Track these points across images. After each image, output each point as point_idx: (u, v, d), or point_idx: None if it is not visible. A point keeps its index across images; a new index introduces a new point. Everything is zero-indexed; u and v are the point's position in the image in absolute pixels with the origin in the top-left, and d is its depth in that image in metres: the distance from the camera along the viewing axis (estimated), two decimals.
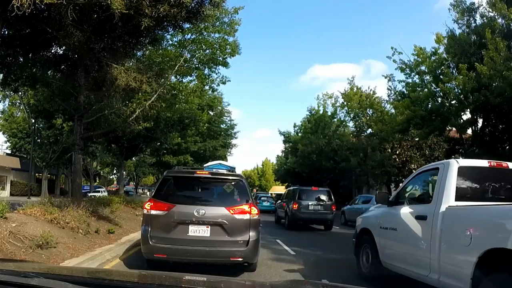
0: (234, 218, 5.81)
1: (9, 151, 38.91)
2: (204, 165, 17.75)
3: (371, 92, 32.47)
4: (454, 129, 20.46)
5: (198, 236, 5.71)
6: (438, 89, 18.63)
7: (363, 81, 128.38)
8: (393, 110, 25.39)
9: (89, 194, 27.41)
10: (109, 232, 8.98)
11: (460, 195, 4.52)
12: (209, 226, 5.74)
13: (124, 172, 36.47)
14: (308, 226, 16.33)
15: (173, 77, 16.78)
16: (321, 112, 36.91)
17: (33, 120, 30.60)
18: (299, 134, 40.25)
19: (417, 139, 25.83)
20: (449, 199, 4.47)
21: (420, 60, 19.81)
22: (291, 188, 19.88)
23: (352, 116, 33.20)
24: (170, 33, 14.47)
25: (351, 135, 34.83)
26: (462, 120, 19.01)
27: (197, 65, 18.30)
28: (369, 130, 31.13)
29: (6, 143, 39.14)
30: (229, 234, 5.77)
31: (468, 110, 18.42)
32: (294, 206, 15.49)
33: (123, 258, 7.22)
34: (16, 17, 7.01)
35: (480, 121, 19.40)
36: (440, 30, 24.51)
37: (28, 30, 9.92)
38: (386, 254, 5.59)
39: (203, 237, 5.71)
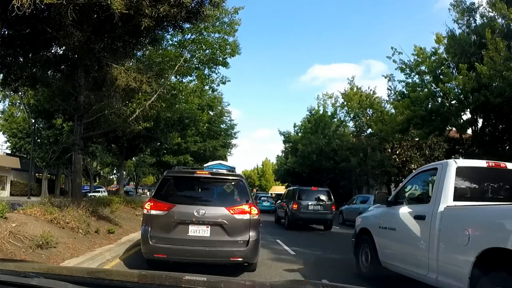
0: (234, 218, 5.82)
1: (9, 151, 38.93)
2: (204, 165, 17.76)
3: (371, 92, 32.49)
4: (454, 129, 20.46)
5: (198, 236, 5.72)
6: (438, 89, 18.63)
7: (363, 81, 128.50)
8: (393, 110, 25.39)
9: (89, 194, 27.43)
10: (109, 232, 8.99)
11: (458, 195, 4.55)
12: (209, 226, 5.75)
13: (124, 172, 36.48)
14: (308, 226, 16.35)
15: (173, 77, 16.79)
16: (321, 112, 36.91)
17: (33, 120, 30.61)
18: (299, 134, 40.24)
19: (417, 139, 25.82)
20: (447, 199, 4.50)
21: (420, 60, 19.80)
22: (291, 188, 19.92)
23: (352, 116, 33.20)
24: (170, 33, 14.50)
25: (351, 135, 34.81)
26: (462, 120, 19.01)
27: (197, 65, 18.31)
28: (369, 130, 31.13)
29: (6, 143, 39.22)
30: (229, 234, 5.78)
31: (468, 110, 18.41)
32: (294, 206, 15.52)
33: (123, 258, 7.23)
34: (16, 17, 7.01)
35: (480, 121, 19.40)
36: (440, 30, 24.56)
37: (28, 30, 9.92)
38: (385, 254, 5.61)
39: (203, 237, 5.72)
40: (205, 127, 30.92)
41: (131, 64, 12.64)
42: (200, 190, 6.67)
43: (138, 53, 14.08)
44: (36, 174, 38.95)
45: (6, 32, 9.75)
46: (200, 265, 5.65)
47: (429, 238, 4.49)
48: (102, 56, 10.49)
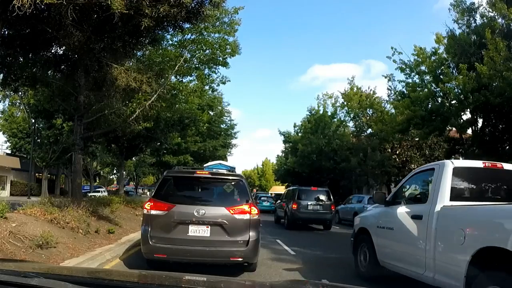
0: (234, 218, 5.83)
1: (9, 151, 38.93)
2: (204, 165, 17.76)
3: (371, 92, 32.46)
4: (454, 129, 20.44)
5: (198, 236, 5.73)
6: (438, 89, 18.61)
7: (363, 81, 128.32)
8: (393, 110, 25.34)
9: (89, 194, 27.41)
10: (109, 232, 9.00)
11: (455, 195, 4.59)
12: (209, 226, 5.76)
13: (124, 172, 36.49)
14: (308, 226, 16.38)
15: (173, 77, 16.80)
16: (321, 112, 36.86)
17: (33, 120, 30.63)
18: (299, 134, 40.20)
19: (417, 139, 25.81)
20: (444, 199, 4.53)
21: (420, 60, 19.77)
22: (291, 188, 19.99)
23: (352, 116, 33.16)
24: (170, 33, 14.54)
25: (351, 135, 34.79)
26: (462, 120, 19.00)
27: (197, 65, 18.33)
28: (369, 130, 31.10)
29: (6, 143, 39.25)
30: (229, 234, 5.79)
31: (468, 110, 18.40)
32: (294, 206, 15.56)
33: (123, 258, 7.25)
34: (16, 17, 7.03)
35: (480, 121, 19.38)
36: (440, 30, 24.46)
37: (28, 30, 9.93)
38: (383, 253, 5.64)
39: (203, 237, 5.73)
40: (205, 127, 30.91)
41: (131, 64, 12.67)
42: (200, 190, 6.69)
43: (138, 53, 14.11)
44: (36, 174, 38.96)
45: (6, 32, 9.77)
46: (200, 265, 5.66)
47: (426, 237, 4.53)
48: (102, 56, 10.51)
